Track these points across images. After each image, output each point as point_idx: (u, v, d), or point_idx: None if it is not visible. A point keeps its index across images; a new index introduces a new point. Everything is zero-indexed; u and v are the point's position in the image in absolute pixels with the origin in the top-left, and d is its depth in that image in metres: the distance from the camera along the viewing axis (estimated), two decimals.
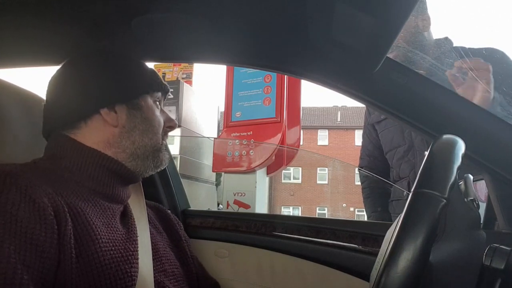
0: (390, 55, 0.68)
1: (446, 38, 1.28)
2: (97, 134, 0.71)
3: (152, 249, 0.75)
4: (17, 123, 0.75)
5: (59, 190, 0.61)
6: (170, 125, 0.81)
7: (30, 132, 0.77)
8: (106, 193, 0.70)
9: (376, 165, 1.62)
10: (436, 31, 1.29)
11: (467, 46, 1.23)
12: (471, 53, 1.19)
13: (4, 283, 0.48)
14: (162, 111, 0.81)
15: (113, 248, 0.63)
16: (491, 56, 1.20)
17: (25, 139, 0.76)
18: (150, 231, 0.79)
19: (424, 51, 1.13)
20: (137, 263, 0.67)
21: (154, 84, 0.78)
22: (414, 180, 1.46)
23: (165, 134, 0.80)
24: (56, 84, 0.74)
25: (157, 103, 0.79)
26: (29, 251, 0.52)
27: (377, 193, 1.62)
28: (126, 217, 0.74)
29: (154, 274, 0.71)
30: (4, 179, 0.56)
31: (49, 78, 0.76)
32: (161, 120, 0.78)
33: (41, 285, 0.53)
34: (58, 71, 0.75)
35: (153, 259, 0.73)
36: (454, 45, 1.26)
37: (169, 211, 0.98)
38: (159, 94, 0.80)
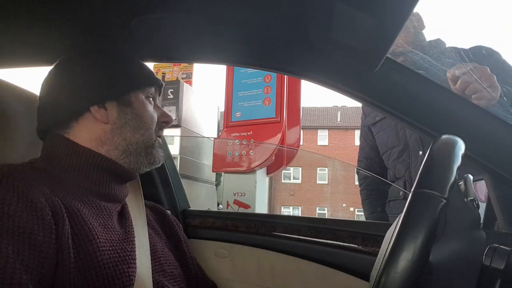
0: (397, 60, 0.69)
1: (438, 40, 1.29)
2: (89, 132, 0.71)
3: (150, 250, 0.75)
4: (17, 123, 0.75)
5: (55, 190, 0.61)
6: (165, 120, 0.80)
7: (30, 132, 0.77)
8: (102, 192, 0.70)
9: (373, 167, 1.63)
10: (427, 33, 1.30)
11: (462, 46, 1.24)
12: (471, 53, 1.19)
13: (3, 283, 0.48)
14: (156, 106, 0.80)
15: (111, 248, 0.63)
16: (490, 56, 1.20)
17: (24, 139, 0.76)
18: (148, 232, 0.78)
19: (424, 51, 1.14)
20: (135, 263, 0.67)
21: (145, 79, 0.78)
22: (410, 180, 1.45)
23: (160, 129, 0.79)
24: (47, 85, 0.75)
25: (151, 99, 0.79)
26: (27, 251, 0.52)
27: (375, 195, 1.62)
28: (123, 217, 0.74)
29: (153, 274, 0.71)
30: (0, 180, 0.56)
31: (42, 79, 0.76)
32: (154, 115, 0.78)
33: (39, 285, 0.53)
34: (50, 71, 0.75)
35: (151, 260, 0.73)
36: (447, 46, 1.27)
37: (168, 211, 0.98)
38: (152, 89, 0.79)
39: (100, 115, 0.71)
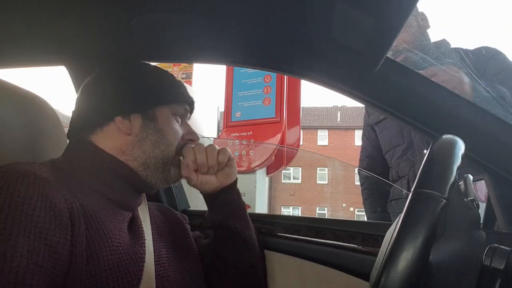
0: (398, 59, 0.69)
1: (444, 40, 1.28)
2: (111, 140, 0.73)
3: (155, 255, 0.75)
4: (16, 123, 0.75)
5: (74, 192, 0.62)
6: (191, 138, 0.81)
7: (29, 132, 0.77)
8: (118, 200, 0.71)
9: (375, 167, 1.63)
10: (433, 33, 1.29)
11: (465, 47, 1.24)
12: (471, 53, 1.19)
13: (15, 283, 0.49)
14: (185, 124, 0.81)
15: (123, 251, 0.64)
16: (491, 56, 1.20)
17: (24, 139, 0.76)
18: (154, 237, 0.78)
19: (425, 51, 1.13)
20: (143, 266, 0.67)
21: (173, 96, 0.78)
22: (414, 179, 1.45)
23: (184, 146, 0.79)
24: (82, 92, 0.78)
25: (178, 116, 0.79)
26: (42, 251, 0.53)
27: (376, 195, 1.63)
28: (134, 222, 0.75)
29: (157, 279, 0.71)
30: (23, 178, 0.56)
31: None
32: (179, 132, 0.78)
33: (51, 285, 0.53)
34: (87, 81, 0.78)
35: (156, 265, 0.73)
36: (452, 47, 1.26)
37: (178, 212, 0.98)
38: (181, 107, 0.80)
39: (123, 126, 0.73)
